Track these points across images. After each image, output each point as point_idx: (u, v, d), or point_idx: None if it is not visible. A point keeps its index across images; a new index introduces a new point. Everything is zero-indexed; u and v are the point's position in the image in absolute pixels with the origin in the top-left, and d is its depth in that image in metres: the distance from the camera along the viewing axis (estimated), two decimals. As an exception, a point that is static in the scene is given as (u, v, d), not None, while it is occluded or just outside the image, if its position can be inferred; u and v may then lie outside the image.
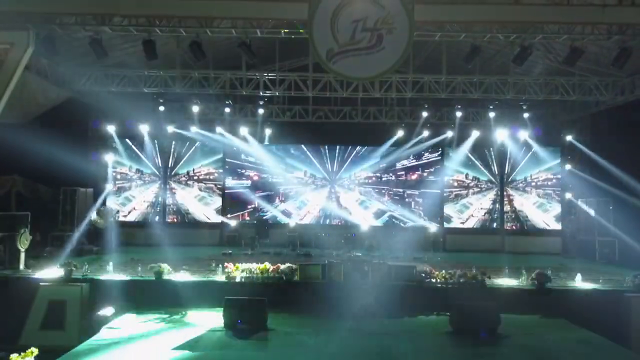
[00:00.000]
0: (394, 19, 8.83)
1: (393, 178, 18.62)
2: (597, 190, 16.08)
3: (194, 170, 18.55)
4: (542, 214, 18.12)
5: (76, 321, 9.84)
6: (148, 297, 10.34)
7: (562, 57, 12.53)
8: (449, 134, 18.03)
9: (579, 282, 11.11)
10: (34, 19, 10.11)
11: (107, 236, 15.52)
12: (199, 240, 17.19)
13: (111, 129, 17.56)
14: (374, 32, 8.89)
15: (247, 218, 18.40)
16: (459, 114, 17.22)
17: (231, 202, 18.51)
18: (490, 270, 11.44)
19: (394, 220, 18.37)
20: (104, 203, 17.12)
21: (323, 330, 8.97)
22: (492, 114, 17.17)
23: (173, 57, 14.12)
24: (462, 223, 18.34)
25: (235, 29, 11.74)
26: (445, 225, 18.26)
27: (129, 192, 18.30)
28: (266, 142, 18.64)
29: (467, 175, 18.48)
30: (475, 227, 18.36)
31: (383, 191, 18.60)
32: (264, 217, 18.35)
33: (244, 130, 17.97)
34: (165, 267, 10.90)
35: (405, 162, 18.55)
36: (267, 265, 11.04)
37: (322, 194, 18.63)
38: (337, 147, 18.59)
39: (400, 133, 18.08)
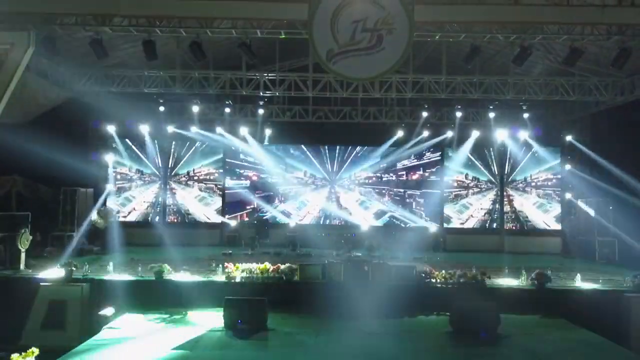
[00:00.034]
0: (394, 19, 8.84)
1: (394, 178, 18.62)
2: (597, 190, 16.08)
3: (194, 170, 18.56)
4: (542, 214, 18.12)
5: (77, 321, 9.89)
6: (148, 297, 10.35)
7: (561, 57, 12.55)
8: (449, 134, 18.03)
9: (579, 282, 11.11)
10: (34, 20, 10.14)
11: (107, 236, 15.56)
12: (199, 240, 17.17)
13: (111, 129, 17.57)
14: (374, 32, 8.90)
15: (246, 219, 18.41)
16: (459, 114, 17.23)
17: (231, 203, 18.52)
18: (490, 271, 11.45)
19: (394, 220, 18.37)
20: (104, 203, 17.15)
21: (323, 330, 8.99)
22: (492, 114, 17.18)
23: (173, 58, 14.14)
24: (462, 224, 18.35)
25: (236, 29, 11.76)
26: (445, 225, 18.26)
27: (129, 192, 18.30)
28: (266, 142, 18.65)
29: (466, 176, 18.48)
30: (475, 227, 18.37)
31: (384, 191, 18.60)
32: (264, 217, 18.37)
33: (244, 131, 17.98)
34: (165, 267, 10.92)
35: (406, 162, 18.54)
36: (267, 265, 11.05)
37: (322, 194, 18.64)
38: (337, 147, 18.59)
39: (400, 133, 18.09)
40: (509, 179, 18.40)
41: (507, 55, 13.44)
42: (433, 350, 8.30)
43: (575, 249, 16.66)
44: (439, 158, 18.48)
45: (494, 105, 16.71)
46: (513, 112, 17.36)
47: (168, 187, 18.45)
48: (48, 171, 13.40)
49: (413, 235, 16.88)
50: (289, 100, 17.31)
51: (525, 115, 17.11)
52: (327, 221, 18.49)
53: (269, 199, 18.52)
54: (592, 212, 16.35)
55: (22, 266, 11.53)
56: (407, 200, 18.52)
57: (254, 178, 18.61)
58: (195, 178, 18.54)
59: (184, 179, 18.55)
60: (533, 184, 18.27)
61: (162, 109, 17.11)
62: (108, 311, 9.60)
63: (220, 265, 11.34)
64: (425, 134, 18.02)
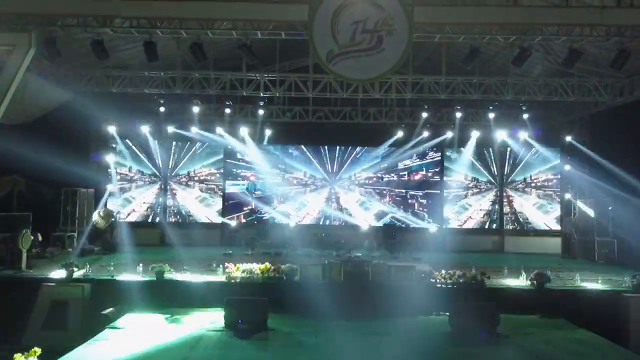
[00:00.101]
0: (394, 20, 8.88)
1: (395, 178, 18.64)
2: (596, 191, 16.10)
3: (194, 171, 18.59)
4: (543, 215, 18.12)
5: (78, 321, 9.92)
6: (149, 297, 10.39)
7: (561, 58, 12.58)
8: (449, 134, 18.05)
9: (579, 282, 11.15)
10: (35, 21, 10.16)
11: (108, 236, 15.60)
12: (200, 240, 17.17)
13: (112, 129, 17.59)
14: (374, 33, 8.93)
15: (245, 220, 18.42)
16: (458, 114, 17.23)
17: (231, 203, 18.54)
18: (489, 271, 11.48)
19: (394, 220, 18.38)
20: (105, 204, 17.20)
21: (323, 330, 9.01)
22: (491, 115, 17.20)
23: (174, 59, 14.16)
24: (460, 225, 18.34)
25: (236, 30, 11.77)
26: (445, 225, 18.28)
27: (129, 192, 18.32)
28: (266, 143, 18.67)
29: (466, 176, 18.50)
30: (474, 227, 18.38)
31: (384, 192, 18.63)
32: (264, 218, 18.39)
33: (244, 131, 17.99)
34: (166, 267, 10.96)
35: (407, 162, 18.56)
36: (268, 265, 11.09)
37: (322, 194, 18.66)
38: (337, 147, 18.62)
39: (400, 134, 18.11)
40: (509, 180, 18.43)
41: (507, 56, 13.46)
42: (433, 350, 8.32)
43: (574, 249, 16.66)
44: (439, 159, 18.51)
45: (493, 105, 16.73)
46: (513, 112, 17.37)
47: (168, 187, 18.48)
48: (49, 172, 13.43)
49: (413, 235, 16.88)
50: (289, 100, 17.33)
51: (525, 116, 17.12)
52: (327, 222, 18.51)
53: (269, 200, 18.55)
54: (591, 213, 16.38)
55: (23, 266, 11.56)
56: (410, 201, 18.54)
57: (252, 178, 18.64)
58: (196, 179, 18.58)
59: (184, 179, 18.58)
60: (533, 184, 18.29)
61: (162, 109, 17.14)
62: (109, 311, 9.64)
63: (221, 266, 11.39)
64: (425, 134, 18.04)
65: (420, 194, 18.52)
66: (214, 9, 9.90)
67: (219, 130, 17.92)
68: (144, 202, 18.34)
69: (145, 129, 17.69)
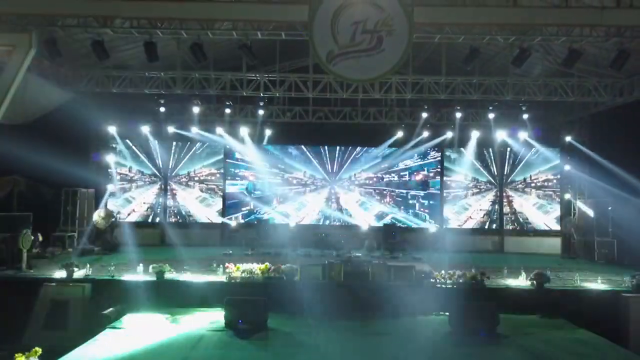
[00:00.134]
0: (394, 20, 8.90)
1: (395, 179, 18.66)
2: (596, 191, 16.12)
3: (194, 171, 18.61)
4: (543, 215, 18.13)
5: (79, 321, 9.93)
6: (149, 297, 10.37)
7: (561, 58, 12.59)
8: (449, 134, 18.07)
9: (578, 282, 11.16)
10: (35, 21, 10.18)
11: (108, 237, 15.61)
12: (200, 240, 17.23)
13: (112, 129, 17.62)
14: (374, 33, 8.95)
15: (244, 220, 18.44)
16: (458, 114, 17.25)
17: (231, 203, 18.56)
18: (489, 271, 11.50)
19: (394, 220, 18.39)
20: (105, 204, 17.21)
21: (323, 330, 9.02)
22: (491, 115, 17.20)
23: (174, 59, 14.17)
24: (460, 225, 18.35)
25: (236, 30, 11.78)
26: (445, 226, 18.29)
27: (129, 193, 18.33)
28: (266, 143, 18.69)
29: (466, 176, 18.51)
30: (474, 227, 18.39)
31: (385, 192, 18.64)
32: (265, 218, 18.40)
33: (244, 131, 18.01)
34: (166, 267, 10.98)
35: (408, 162, 18.57)
36: (268, 265, 11.11)
37: (322, 194, 18.67)
38: (337, 147, 18.63)
39: (400, 134, 18.12)
40: (509, 180, 18.44)
41: (507, 57, 13.47)
42: (433, 350, 8.32)
43: (574, 249, 16.68)
44: (439, 159, 18.53)
45: (493, 106, 16.73)
46: (513, 112, 17.38)
47: (169, 187, 18.49)
48: (49, 172, 13.45)
49: (413, 235, 16.87)
50: (289, 101, 17.34)
51: (525, 116, 17.12)
52: (327, 222, 18.53)
53: (268, 200, 18.56)
54: (591, 213, 16.39)
55: (23, 266, 11.56)
56: (410, 201, 18.55)
57: (254, 179, 18.66)
58: (196, 179, 18.59)
59: (184, 179, 18.59)
60: (533, 184, 18.30)
61: (162, 109, 17.15)
62: (110, 311, 9.65)
63: (221, 266, 11.41)
64: (425, 134, 18.06)
65: (422, 194, 18.53)
66: (214, 10, 9.92)
67: (219, 130, 17.94)
68: (144, 202, 18.36)
69: (145, 129, 17.71)
